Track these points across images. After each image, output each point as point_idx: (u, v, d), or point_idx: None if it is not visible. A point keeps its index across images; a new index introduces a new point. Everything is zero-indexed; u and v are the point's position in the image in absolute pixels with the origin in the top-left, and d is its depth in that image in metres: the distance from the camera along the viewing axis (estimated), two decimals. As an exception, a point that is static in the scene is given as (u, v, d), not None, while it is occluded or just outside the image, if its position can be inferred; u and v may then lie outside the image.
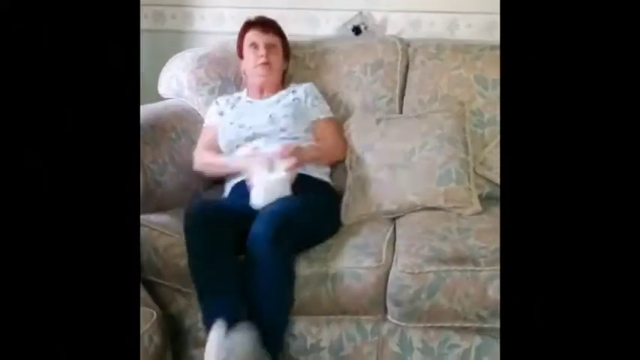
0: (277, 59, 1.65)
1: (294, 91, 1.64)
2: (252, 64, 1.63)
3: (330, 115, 1.64)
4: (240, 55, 1.69)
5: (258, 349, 1.14)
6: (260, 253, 1.20)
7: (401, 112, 1.67)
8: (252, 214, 1.30)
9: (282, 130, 1.54)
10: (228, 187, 1.52)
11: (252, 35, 1.64)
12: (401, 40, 1.74)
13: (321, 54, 1.75)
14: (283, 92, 1.64)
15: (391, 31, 1.91)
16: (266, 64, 1.61)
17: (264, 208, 1.30)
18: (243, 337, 1.13)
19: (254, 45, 1.63)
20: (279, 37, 1.68)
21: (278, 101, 1.61)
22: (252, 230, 1.24)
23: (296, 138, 1.54)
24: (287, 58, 1.71)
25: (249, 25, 1.67)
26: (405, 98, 1.67)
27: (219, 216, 1.31)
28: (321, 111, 1.62)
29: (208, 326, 1.17)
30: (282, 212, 1.27)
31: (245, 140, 1.55)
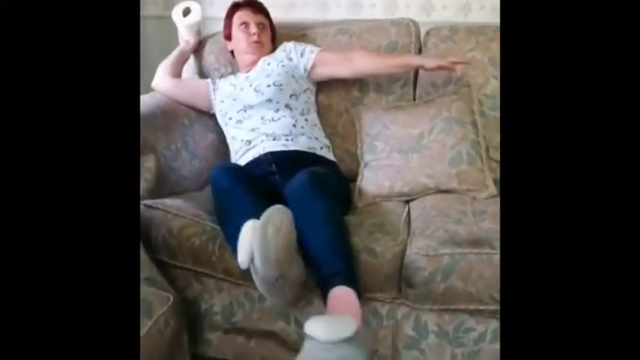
0: (267, 40, 1.69)
1: (273, 55, 1.66)
2: (244, 43, 1.65)
3: (319, 48, 1.64)
4: (228, 37, 1.71)
5: (293, 233, 1.08)
6: (305, 197, 1.18)
7: (415, 94, 1.66)
8: (270, 179, 1.40)
9: (269, 100, 1.56)
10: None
11: (242, 15, 1.67)
12: (414, 23, 1.71)
13: (333, 35, 1.73)
14: (265, 58, 1.66)
15: (403, 14, 1.89)
16: (258, 42, 1.64)
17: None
18: (279, 216, 1.06)
19: (245, 24, 1.66)
20: (267, 19, 1.71)
21: (262, 70, 1.63)
22: (292, 184, 1.24)
23: (287, 106, 1.56)
24: (273, 41, 1.73)
25: (237, 6, 1.70)
26: (419, 81, 1.66)
27: (243, 170, 1.39)
28: (312, 49, 1.63)
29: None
30: (316, 171, 1.30)
31: (237, 112, 1.58)
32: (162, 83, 1.66)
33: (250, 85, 1.59)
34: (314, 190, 1.19)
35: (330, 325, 1.01)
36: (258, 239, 1.02)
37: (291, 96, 1.57)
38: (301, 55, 1.62)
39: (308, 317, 1.26)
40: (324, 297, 1.10)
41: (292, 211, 1.12)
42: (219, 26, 1.88)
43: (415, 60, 1.59)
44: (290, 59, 1.63)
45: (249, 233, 1.07)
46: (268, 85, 1.56)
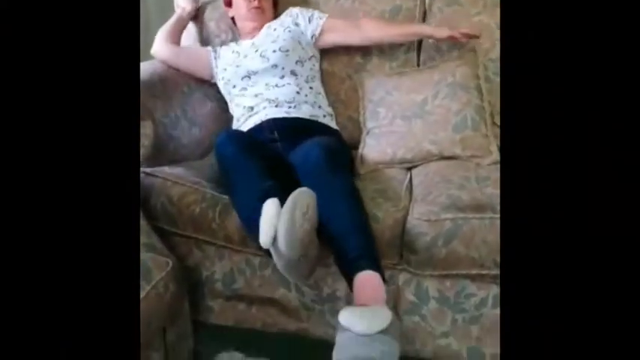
0: (269, 5, 1.65)
1: (279, 20, 1.63)
2: (244, 9, 1.62)
3: (327, 15, 1.62)
4: (228, 4, 1.69)
5: (315, 216, 1.06)
6: (322, 175, 1.15)
7: (419, 60, 1.62)
8: (272, 146, 1.38)
9: (274, 66, 1.53)
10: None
11: None
12: (419, -14, 1.66)
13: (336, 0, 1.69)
14: (269, 24, 1.63)
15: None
16: (258, 8, 1.60)
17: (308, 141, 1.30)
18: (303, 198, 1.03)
19: None
20: None
21: (267, 35, 1.60)
22: (303, 159, 1.21)
23: (292, 72, 1.54)
24: (275, 7, 1.69)
25: None
26: (423, 46, 1.62)
27: (246, 136, 1.39)
28: (321, 16, 1.61)
29: (252, 228, 1.09)
30: (325, 144, 1.26)
31: (241, 79, 1.55)
32: (161, 50, 1.63)
33: (256, 51, 1.56)
34: (330, 166, 1.17)
35: (366, 316, 0.99)
36: (284, 223, 1.00)
37: (296, 62, 1.55)
38: (309, 20, 1.60)
39: (309, 285, 1.27)
40: (349, 280, 1.08)
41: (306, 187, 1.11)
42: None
43: (425, 29, 1.55)
44: (297, 25, 1.60)
45: (271, 213, 1.05)
46: (274, 51, 1.54)
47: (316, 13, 1.61)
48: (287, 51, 1.53)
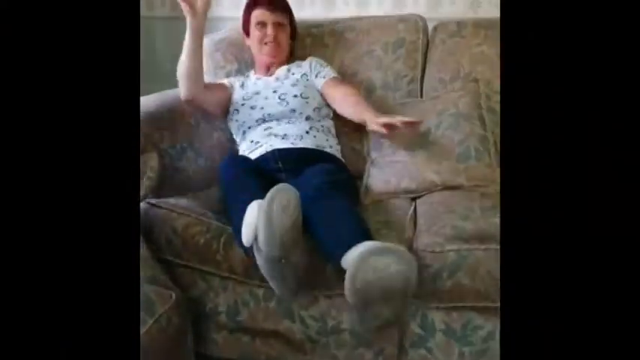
0: (285, 38, 1.65)
1: (298, 66, 1.64)
2: (258, 42, 1.62)
3: (335, 75, 1.62)
4: (246, 32, 1.68)
5: (299, 214, 1.06)
6: (320, 198, 1.14)
7: (422, 91, 1.64)
8: (276, 177, 1.36)
9: (293, 110, 1.54)
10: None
11: (259, 14, 1.62)
12: (421, 19, 1.70)
13: (340, 32, 1.72)
14: (288, 67, 1.64)
15: (411, 11, 1.88)
16: (273, 42, 1.60)
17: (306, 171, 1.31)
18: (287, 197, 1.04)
19: (261, 24, 1.62)
20: (286, 15, 1.66)
21: (286, 78, 1.61)
22: (304, 186, 1.19)
23: (308, 118, 1.55)
24: (293, 37, 1.70)
25: (255, 3, 1.65)
26: (426, 77, 1.64)
27: (250, 160, 1.41)
28: (326, 75, 1.61)
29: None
30: (326, 170, 1.28)
31: (256, 122, 1.55)
32: (190, 94, 1.53)
33: (274, 92, 1.57)
34: (330, 190, 1.18)
35: (385, 246, 1.02)
36: (263, 216, 1.00)
37: (314, 109, 1.56)
38: (316, 76, 1.62)
39: (312, 317, 1.26)
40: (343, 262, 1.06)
41: (309, 212, 1.12)
42: (226, 26, 1.89)
43: (367, 117, 1.42)
44: (312, 75, 1.63)
45: (254, 211, 1.06)
46: (295, 96, 1.55)
47: (323, 72, 1.61)
48: (307, 98, 1.55)
